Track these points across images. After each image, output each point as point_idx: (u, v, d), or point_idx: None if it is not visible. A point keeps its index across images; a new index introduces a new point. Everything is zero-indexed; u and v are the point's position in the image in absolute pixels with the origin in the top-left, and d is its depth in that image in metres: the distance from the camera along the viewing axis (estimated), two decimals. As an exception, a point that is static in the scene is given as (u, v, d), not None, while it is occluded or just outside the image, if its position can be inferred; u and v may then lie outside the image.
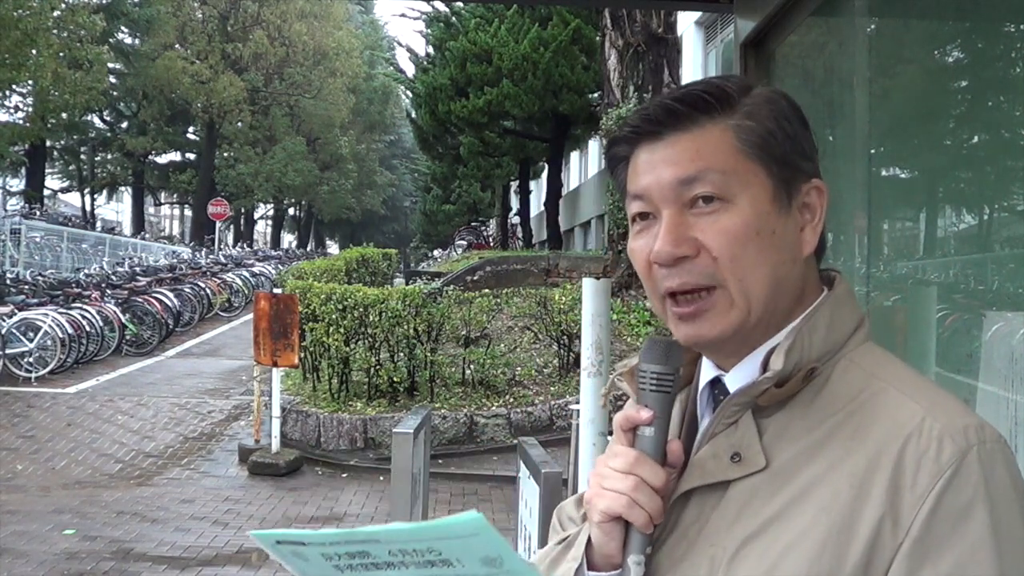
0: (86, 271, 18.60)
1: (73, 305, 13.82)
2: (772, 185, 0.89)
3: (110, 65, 31.21)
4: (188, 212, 48.92)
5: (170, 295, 16.26)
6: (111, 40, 30.95)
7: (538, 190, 30.03)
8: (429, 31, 22.03)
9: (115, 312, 14.18)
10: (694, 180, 0.87)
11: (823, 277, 0.95)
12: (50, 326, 12.31)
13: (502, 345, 10.43)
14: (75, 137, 34.83)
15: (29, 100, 26.26)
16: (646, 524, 0.87)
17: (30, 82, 23.21)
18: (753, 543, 0.84)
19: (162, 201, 49.56)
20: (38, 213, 25.24)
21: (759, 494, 0.86)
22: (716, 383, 0.94)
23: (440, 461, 8.60)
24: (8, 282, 15.11)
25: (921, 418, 0.81)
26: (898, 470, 0.80)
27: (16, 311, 12.53)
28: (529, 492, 3.57)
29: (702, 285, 0.88)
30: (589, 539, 0.91)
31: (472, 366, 9.78)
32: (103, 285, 16.18)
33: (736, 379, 0.92)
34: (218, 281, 20.02)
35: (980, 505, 0.77)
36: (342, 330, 9.57)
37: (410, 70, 24.17)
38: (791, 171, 0.90)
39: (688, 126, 0.89)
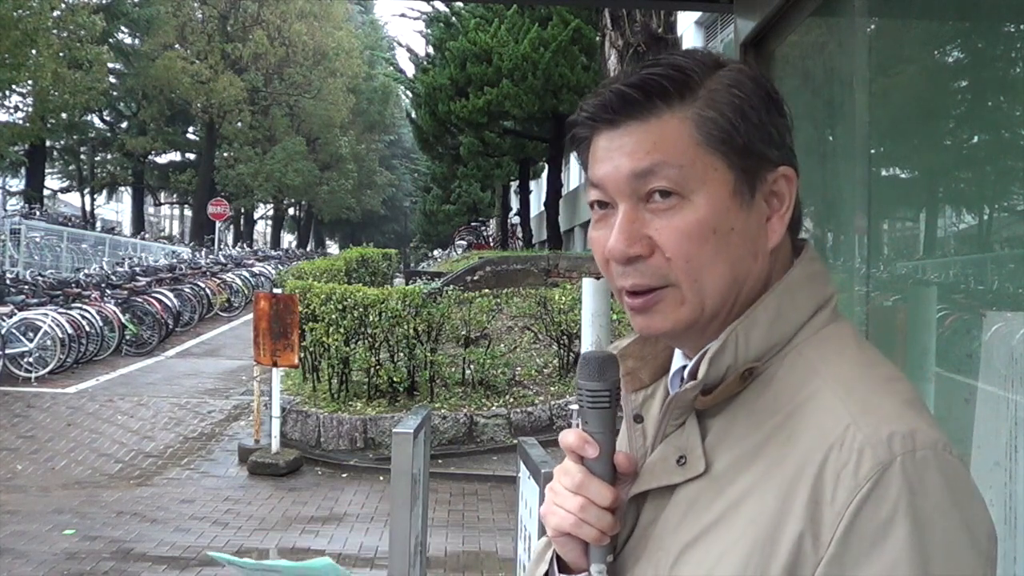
0: (86, 271, 18.57)
1: (73, 305, 13.82)
2: (733, 178, 0.85)
3: (110, 65, 31.19)
4: (188, 212, 48.92)
5: (170, 295, 16.26)
6: (111, 40, 30.93)
7: (538, 190, 30.02)
8: (429, 31, 22.04)
9: (115, 312, 14.17)
10: (649, 174, 0.84)
11: (798, 249, 0.91)
12: (50, 326, 12.30)
13: (502, 345, 10.43)
14: (75, 137, 34.79)
15: (29, 100, 26.24)
16: (598, 539, 0.86)
17: (30, 82, 23.21)
18: (692, 549, 0.82)
19: (162, 201, 49.58)
20: (38, 213, 25.21)
21: (701, 499, 0.84)
22: (684, 372, 0.92)
23: (440, 461, 8.60)
24: (8, 282, 15.09)
25: (845, 426, 0.77)
26: (819, 484, 0.76)
27: (16, 311, 12.53)
28: (529, 492, 3.57)
29: (654, 286, 0.85)
30: None
31: (472, 366, 9.78)
32: (103, 285, 16.17)
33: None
34: (218, 281, 20.03)
35: (901, 520, 0.73)
36: (342, 330, 9.57)
37: (410, 70, 24.16)
38: (755, 161, 0.86)
39: (645, 115, 0.85)
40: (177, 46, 35.16)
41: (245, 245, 36.97)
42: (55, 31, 23.74)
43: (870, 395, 0.80)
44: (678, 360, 0.94)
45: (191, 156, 41.95)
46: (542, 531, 1.01)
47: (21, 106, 26.76)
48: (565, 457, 0.91)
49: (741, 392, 0.85)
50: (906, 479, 0.74)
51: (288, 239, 56.59)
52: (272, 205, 46.57)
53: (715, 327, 0.87)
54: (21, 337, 12.19)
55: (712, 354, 0.84)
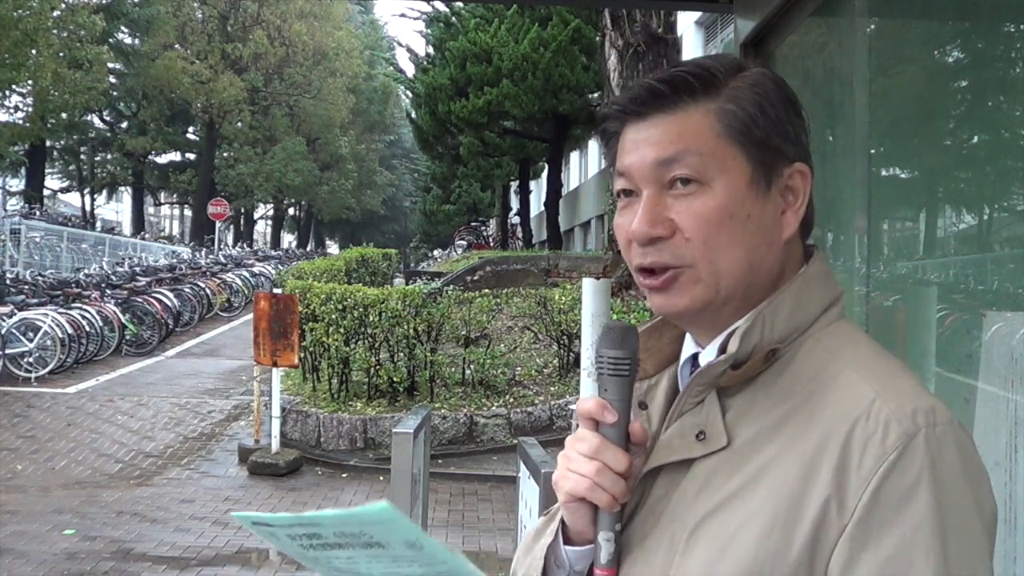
0: (86, 271, 18.58)
1: (73, 305, 13.81)
2: (751, 169, 0.90)
3: (110, 65, 31.18)
4: (188, 212, 48.92)
5: (170, 295, 16.26)
6: (111, 40, 30.92)
7: (538, 190, 30.03)
8: (429, 31, 22.06)
9: (115, 312, 14.17)
10: (673, 161, 0.90)
11: (808, 253, 0.97)
12: (50, 326, 12.30)
13: (502, 345, 10.44)
14: (75, 137, 34.80)
15: (29, 100, 26.24)
16: (610, 505, 0.89)
17: (30, 82, 23.21)
18: (710, 521, 0.86)
19: (162, 201, 49.57)
20: (38, 213, 25.21)
21: (720, 472, 0.87)
22: (696, 359, 0.96)
23: (440, 461, 8.60)
24: (8, 282, 15.09)
25: (871, 400, 0.82)
26: (845, 452, 0.81)
27: (16, 311, 12.52)
28: (529, 492, 3.57)
29: (673, 265, 0.90)
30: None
31: (472, 366, 9.78)
32: (103, 285, 16.17)
33: (708, 357, 0.94)
34: (218, 281, 20.02)
35: (924, 488, 0.78)
36: (342, 330, 9.57)
37: (410, 70, 24.18)
38: (772, 155, 0.91)
39: (672, 108, 0.91)
40: (177, 46, 35.15)
41: (245, 245, 36.96)
42: (55, 31, 23.73)
43: (890, 375, 0.86)
44: (688, 349, 0.98)
45: (191, 156, 41.94)
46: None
47: (21, 106, 26.78)
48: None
49: (761, 373, 0.90)
50: (929, 450, 0.80)
51: (288, 239, 56.59)
52: (272, 205, 46.56)
53: (729, 310, 0.92)
54: (21, 337, 12.19)
55: (743, 331, 0.89)
